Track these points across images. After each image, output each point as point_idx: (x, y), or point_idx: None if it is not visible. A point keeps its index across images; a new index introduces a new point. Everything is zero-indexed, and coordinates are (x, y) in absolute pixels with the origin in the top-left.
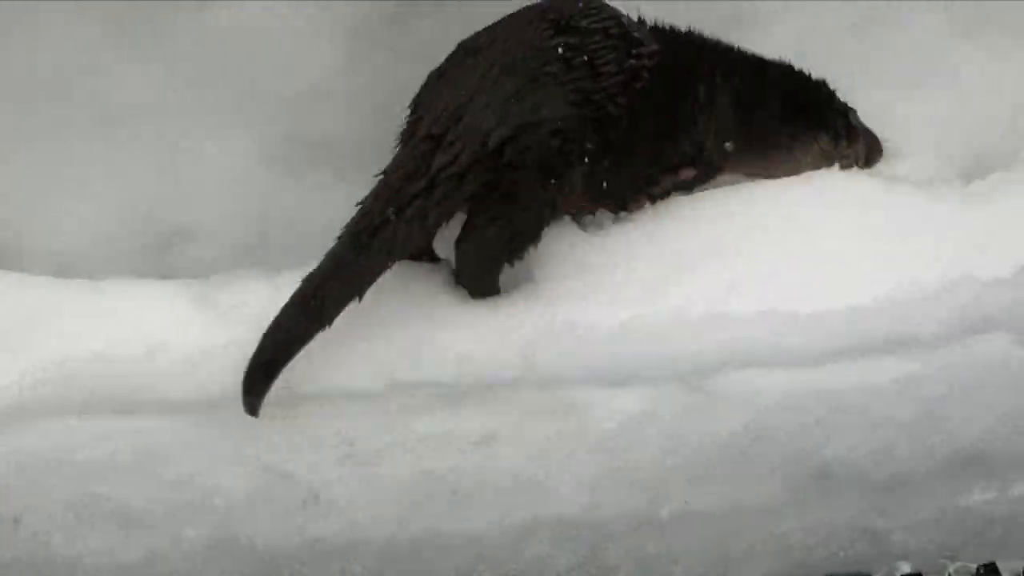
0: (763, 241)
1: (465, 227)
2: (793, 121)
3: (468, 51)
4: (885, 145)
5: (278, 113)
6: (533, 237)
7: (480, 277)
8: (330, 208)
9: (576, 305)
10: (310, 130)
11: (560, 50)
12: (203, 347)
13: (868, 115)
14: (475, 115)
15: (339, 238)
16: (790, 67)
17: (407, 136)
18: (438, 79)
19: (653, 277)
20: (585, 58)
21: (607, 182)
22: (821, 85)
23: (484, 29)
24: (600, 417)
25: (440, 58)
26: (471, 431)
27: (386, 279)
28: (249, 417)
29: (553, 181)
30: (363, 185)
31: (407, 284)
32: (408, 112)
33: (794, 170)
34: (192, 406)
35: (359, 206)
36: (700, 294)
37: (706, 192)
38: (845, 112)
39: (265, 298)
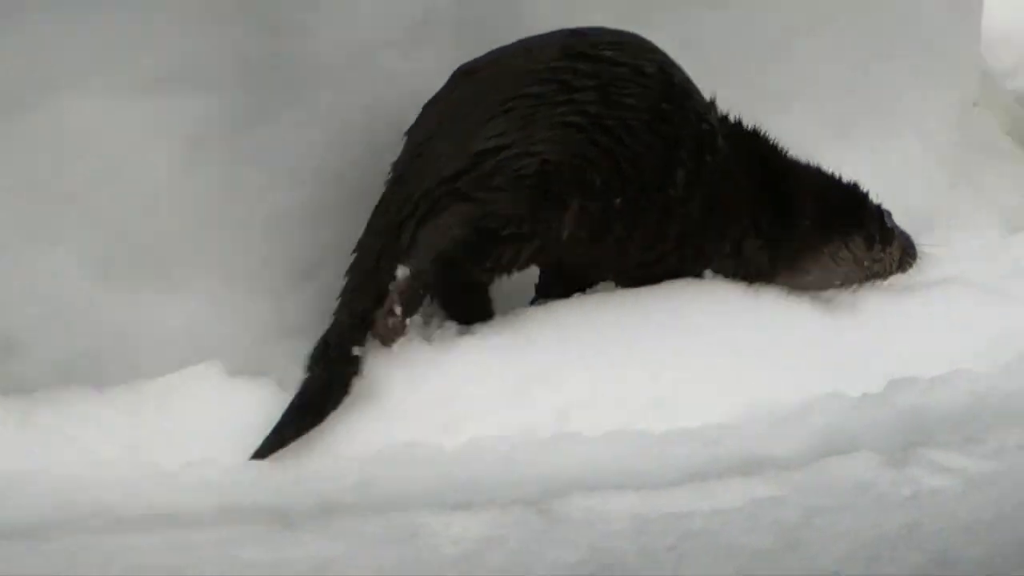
0: (614, 356)
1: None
2: (825, 225)
3: (462, 75)
4: (920, 248)
5: (108, 220)
6: (504, 268)
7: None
8: (164, 321)
9: (418, 424)
10: (143, 239)
11: (559, 73)
12: (23, 469)
13: None
14: (433, 148)
15: (340, 297)
16: (819, 169)
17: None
18: (429, 107)
19: (499, 395)
20: (594, 83)
21: (617, 227)
22: (854, 187)
23: (498, 48)
24: (442, 543)
25: (282, 162)
26: (305, 559)
27: (213, 396)
28: (69, 545)
29: (534, 207)
30: (201, 296)
31: (236, 401)
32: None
33: (826, 278)
34: (8, 533)
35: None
36: (547, 413)
37: (557, 302)
38: (880, 214)
39: (92, 417)
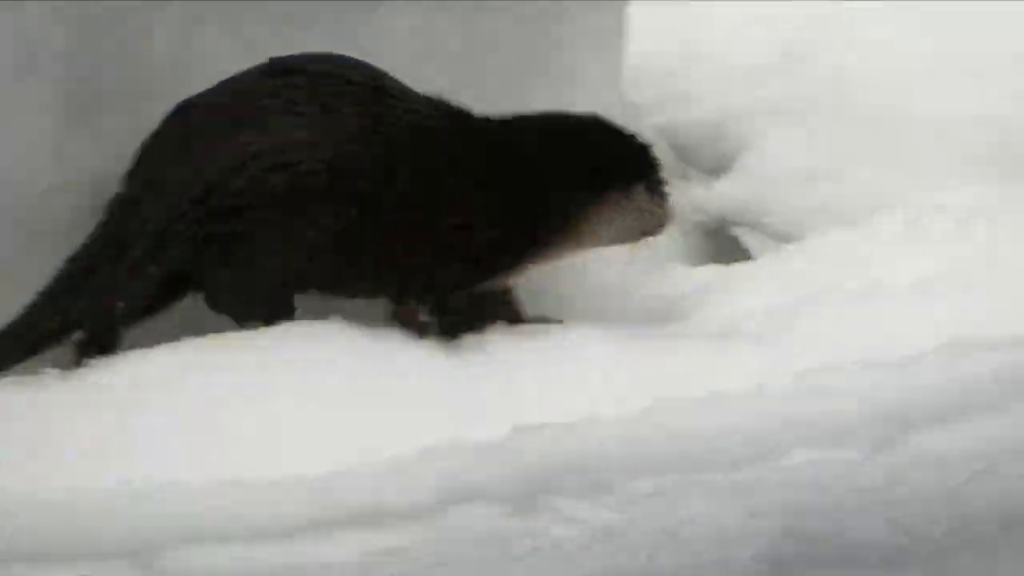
0: (223, 400)
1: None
2: (603, 178)
3: (182, 110)
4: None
5: None
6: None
7: None
8: None
9: (11, 471)
10: None
11: (280, 89)
12: None
13: None
14: (175, 170)
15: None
16: (596, 120)
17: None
18: (151, 146)
19: (99, 442)
20: (311, 96)
21: (363, 244)
22: (633, 137)
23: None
24: None
25: None
26: None
27: None
28: None
29: (291, 220)
30: None
31: None
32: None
33: (611, 235)
34: None
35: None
36: (150, 460)
37: (162, 346)
38: (658, 164)
39: None
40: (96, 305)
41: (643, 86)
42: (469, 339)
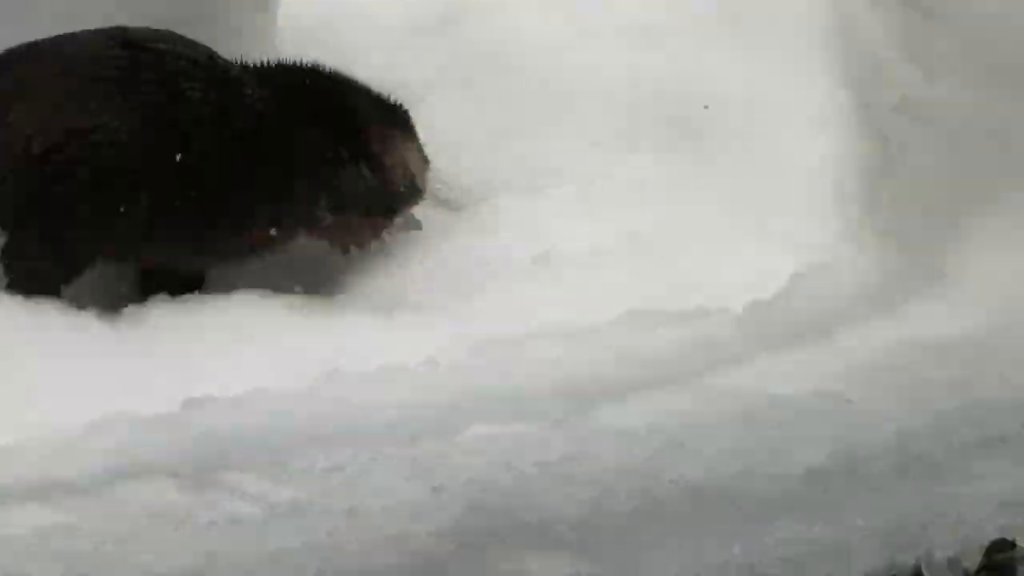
0: None
1: (8, 242)
2: (392, 129)
3: (14, 57)
4: None
5: None
6: (84, 261)
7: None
8: None
9: None
10: None
11: (125, 61)
12: None
13: None
14: (16, 119)
15: None
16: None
17: None
18: None
19: None
20: (157, 76)
21: (185, 225)
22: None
23: (37, 40)
24: None
25: None
26: None
27: None
28: None
29: (109, 197)
30: None
31: None
32: None
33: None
34: None
35: None
36: None
37: None
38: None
39: None
40: None
41: (299, 45)
42: (131, 311)
